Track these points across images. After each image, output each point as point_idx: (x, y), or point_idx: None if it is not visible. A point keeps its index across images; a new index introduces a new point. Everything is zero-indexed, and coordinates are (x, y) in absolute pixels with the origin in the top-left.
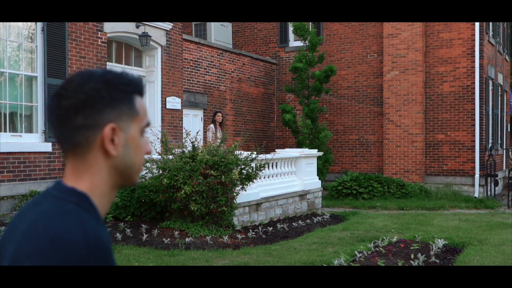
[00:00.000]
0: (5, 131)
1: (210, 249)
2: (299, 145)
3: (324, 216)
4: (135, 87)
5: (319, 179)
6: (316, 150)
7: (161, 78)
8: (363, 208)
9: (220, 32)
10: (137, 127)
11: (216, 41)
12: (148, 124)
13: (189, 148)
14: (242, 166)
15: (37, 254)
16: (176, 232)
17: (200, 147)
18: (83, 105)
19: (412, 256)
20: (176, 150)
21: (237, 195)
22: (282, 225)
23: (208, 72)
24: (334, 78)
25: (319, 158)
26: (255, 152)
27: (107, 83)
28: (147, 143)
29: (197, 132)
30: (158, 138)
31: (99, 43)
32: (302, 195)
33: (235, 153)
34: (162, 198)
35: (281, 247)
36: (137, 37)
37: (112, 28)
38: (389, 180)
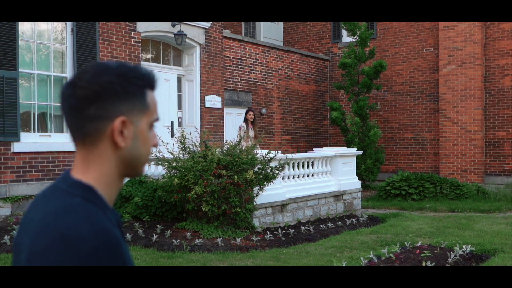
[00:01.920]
0: (34, 131)
1: (216, 251)
2: (348, 143)
3: (360, 218)
4: (148, 81)
5: (370, 179)
6: (356, 148)
7: (200, 76)
8: (411, 210)
9: (270, 30)
10: (147, 121)
11: (266, 38)
12: (157, 119)
13: (227, 147)
14: (260, 166)
15: (49, 253)
16: (189, 233)
17: (211, 146)
18: (97, 96)
19: (424, 263)
20: (193, 148)
21: (256, 195)
22: (308, 227)
23: (253, 70)
24: (389, 73)
25: (368, 157)
26: (273, 152)
27: (121, 76)
28: (154, 136)
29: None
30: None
31: (132, 42)
32: (337, 195)
33: (254, 152)
34: (176, 198)
35: (295, 250)
36: (173, 36)
37: (146, 27)
38: (442, 180)
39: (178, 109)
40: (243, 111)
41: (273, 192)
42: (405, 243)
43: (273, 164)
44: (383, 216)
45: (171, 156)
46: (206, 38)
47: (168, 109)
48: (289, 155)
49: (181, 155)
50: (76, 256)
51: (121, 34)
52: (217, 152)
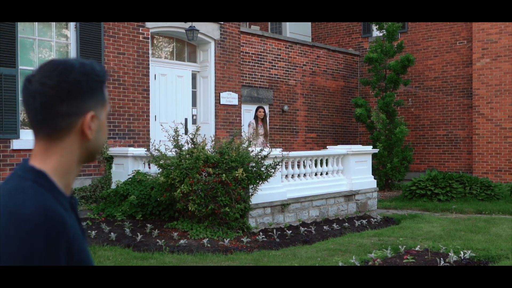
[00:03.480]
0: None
1: (197, 252)
2: (374, 141)
3: (373, 219)
4: (103, 77)
5: (397, 178)
6: (371, 146)
7: (215, 73)
8: (435, 211)
9: (297, 25)
10: (105, 112)
11: (292, 34)
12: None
13: (245, 144)
14: (253, 164)
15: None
16: (176, 234)
17: (200, 143)
18: (68, 94)
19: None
20: (186, 146)
21: (251, 195)
22: (309, 229)
23: (275, 66)
24: (420, 68)
25: (395, 155)
26: (267, 149)
27: (86, 74)
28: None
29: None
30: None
31: (141, 38)
32: (348, 195)
33: (248, 150)
34: (164, 197)
35: (283, 253)
36: (184, 31)
37: (155, 23)
38: (473, 180)
39: (193, 106)
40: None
41: (272, 192)
42: (400, 247)
43: (267, 162)
44: (400, 217)
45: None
46: (221, 34)
47: (182, 106)
48: (285, 153)
49: (172, 152)
50: (20, 231)
51: (128, 30)
52: (206, 150)
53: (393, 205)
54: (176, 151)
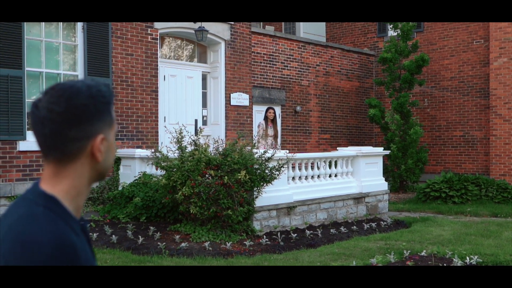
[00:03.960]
0: None
1: (198, 256)
2: (388, 142)
3: (382, 222)
4: (110, 98)
5: (411, 180)
6: (382, 148)
7: (225, 73)
8: (448, 214)
9: (311, 25)
10: (113, 132)
11: (306, 34)
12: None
13: (263, 149)
14: (256, 166)
15: (9, 256)
16: (178, 236)
17: (202, 144)
18: (76, 119)
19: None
20: (189, 148)
21: (256, 197)
22: (315, 232)
23: (287, 66)
24: (436, 68)
25: (410, 157)
26: (271, 151)
27: (93, 97)
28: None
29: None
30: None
31: (149, 39)
32: (358, 198)
33: (253, 151)
34: (167, 199)
35: (285, 257)
36: (193, 32)
37: (164, 24)
38: (489, 182)
39: (203, 107)
40: (276, 108)
41: (278, 194)
42: (404, 251)
43: (272, 164)
44: (412, 220)
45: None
46: (231, 34)
47: (192, 107)
48: (290, 155)
49: (175, 154)
50: (32, 261)
51: (136, 31)
52: (208, 151)
53: (406, 208)
54: (179, 153)
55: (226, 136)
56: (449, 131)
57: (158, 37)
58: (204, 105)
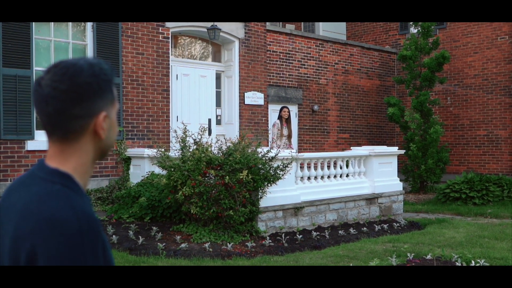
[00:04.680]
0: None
1: (196, 257)
2: (408, 142)
3: (395, 224)
4: (111, 75)
5: (432, 180)
6: (397, 148)
7: (239, 72)
8: (468, 215)
9: (331, 23)
10: (115, 110)
11: (326, 32)
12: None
13: (274, 149)
14: (260, 166)
15: (36, 234)
16: (179, 237)
17: (204, 144)
18: (80, 97)
19: None
20: (191, 147)
21: (260, 198)
22: (323, 233)
23: (304, 65)
24: (459, 65)
25: (430, 157)
26: (274, 150)
27: (95, 76)
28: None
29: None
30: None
31: (160, 38)
32: (370, 198)
33: (257, 151)
34: (169, 199)
35: (286, 259)
36: (206, 30)
37: (175, 23)
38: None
39: (217, 107)
40: (293, 108)
41: (284, 194)
42: (408, 254)
43: (276, 163)
44: (427, 222)
45: (174, 156)
46: (246, 32)
47: (205, 106)
48: (295, 154)
49: (177, 154)
50: (61, 237)
51: (147, 30)
52: (210, 151)
53: (424, 209)
54: (180, 152)
55: (240, 136)
56: (472, 130)
57: (170, 36)
58: (218, 104)
